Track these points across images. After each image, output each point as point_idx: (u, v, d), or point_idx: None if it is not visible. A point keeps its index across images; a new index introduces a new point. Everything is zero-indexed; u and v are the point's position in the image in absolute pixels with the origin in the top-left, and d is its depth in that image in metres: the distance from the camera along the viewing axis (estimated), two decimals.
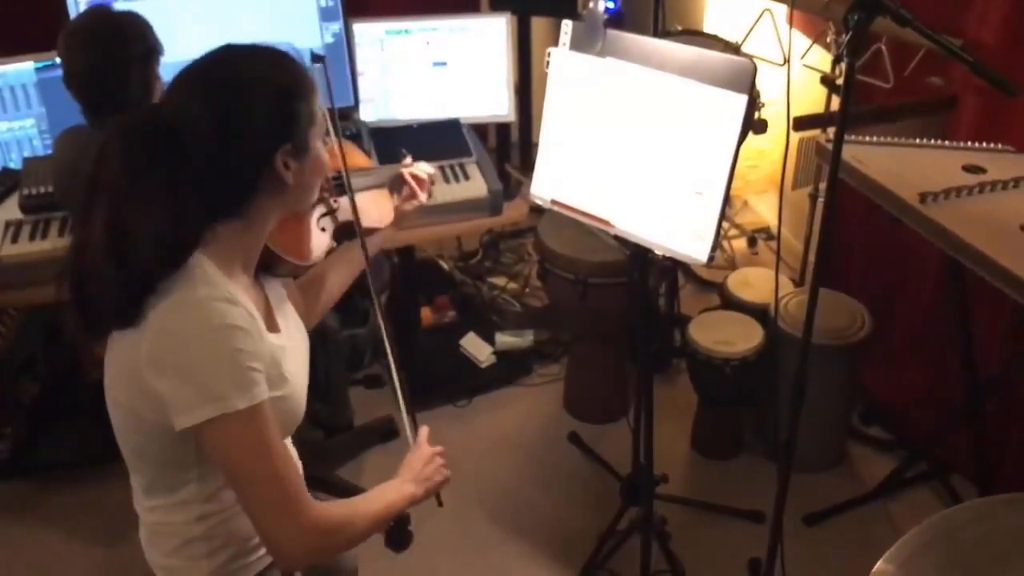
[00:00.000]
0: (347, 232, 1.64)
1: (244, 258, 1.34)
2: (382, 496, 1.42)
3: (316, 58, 1.72)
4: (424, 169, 1.80)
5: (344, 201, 1.62)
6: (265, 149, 1.27)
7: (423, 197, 1.78)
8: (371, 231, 1.70)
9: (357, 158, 1.87)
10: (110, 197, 1.24)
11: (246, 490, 1.26)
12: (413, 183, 1.76)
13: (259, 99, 1.26)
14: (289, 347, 1.41)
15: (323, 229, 1.57)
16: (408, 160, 1.81)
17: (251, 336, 1.25)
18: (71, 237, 2.24)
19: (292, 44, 1.35)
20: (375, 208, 1.73)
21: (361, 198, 1.68)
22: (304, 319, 1.56)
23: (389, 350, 1.59)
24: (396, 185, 1.78)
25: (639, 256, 1.95)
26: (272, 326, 1.39)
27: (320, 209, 1.56)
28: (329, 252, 1.61)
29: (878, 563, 1.40)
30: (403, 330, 3.08)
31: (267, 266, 1.45)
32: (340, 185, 1.63)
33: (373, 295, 1.67)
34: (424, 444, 1.53)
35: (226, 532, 1.41)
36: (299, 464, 1.50)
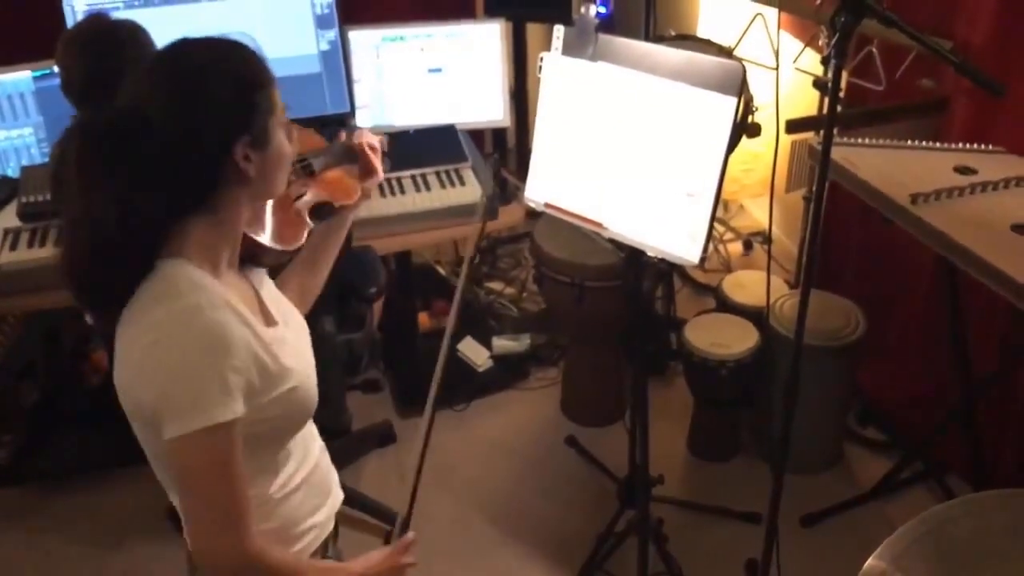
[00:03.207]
0: (319, 212, 1.65)
1: (227, 252, 1.33)
2: (330, 571, 1.42)
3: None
4: (376, 137, 1.78)
5: (311, 184, 1.63)
6: (223, 142, 1.24)
7: (381, 170, 1.76)
8: (343, 207, 1.71)
9: (314, 139, 1.88)
10: (73, 194, 1.22)
11: (196, 502, 1.23)
12: (369, 152, 1.75)
13: (217, 88, 1.24)
14: (289, 337, 1.39)
15: (298, 214, 1.59)
16: (356, 132, 1.80)
17: (236, 347, 1.22)
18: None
19: (249, 35, 1.33)
20: (341, 186, 1.74)
21: (326, 177, 1.69)
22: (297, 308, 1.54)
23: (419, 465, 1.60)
24: (353, 159, 1.77)
25: (634, 259, 1.97)
26: (268, 319, 1.37)
27: (292, 195, 1.57)
28: (308, 234, 1.61)
29: (869, 559, 1.41)
30: (401, 335, 3.09)
31: (251, 257, 1.43)
32: (304, 167, 1.64)
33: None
34: (400, 551, 1.48)
35: (270, 524, 1.38)
36: (324, 452, 1.55)
